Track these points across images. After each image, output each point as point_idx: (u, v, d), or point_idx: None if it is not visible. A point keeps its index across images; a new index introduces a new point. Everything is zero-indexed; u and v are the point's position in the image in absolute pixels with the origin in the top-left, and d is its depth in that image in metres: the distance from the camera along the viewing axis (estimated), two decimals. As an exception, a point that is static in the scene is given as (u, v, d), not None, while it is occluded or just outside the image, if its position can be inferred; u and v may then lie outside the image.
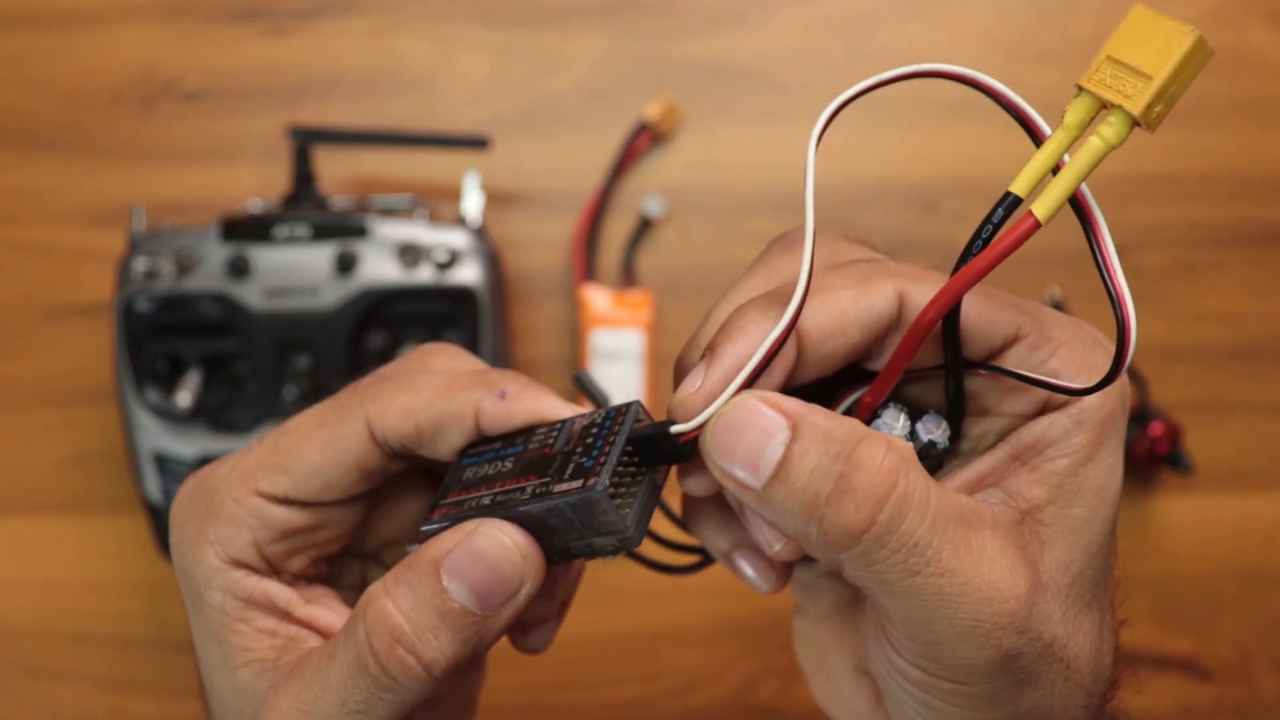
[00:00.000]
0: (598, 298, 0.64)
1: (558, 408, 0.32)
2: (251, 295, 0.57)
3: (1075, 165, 0.28)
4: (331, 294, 0.57)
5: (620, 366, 0.64)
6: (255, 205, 0.62)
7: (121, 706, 0.67)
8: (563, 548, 0.29)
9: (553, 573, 0.32)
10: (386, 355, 0.58)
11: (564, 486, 0.28)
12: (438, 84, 0.66)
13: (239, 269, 0.57)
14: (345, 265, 0.57)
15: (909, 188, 0.66)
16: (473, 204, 0.60)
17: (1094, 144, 0.28)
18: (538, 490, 0.29)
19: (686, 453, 0.29)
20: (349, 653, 0.29)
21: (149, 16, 0.67)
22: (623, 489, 0.29)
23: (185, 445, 0.58)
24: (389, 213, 0.59)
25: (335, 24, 0.66)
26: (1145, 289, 0.66)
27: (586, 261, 0.65)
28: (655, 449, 0.30)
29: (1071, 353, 0.30)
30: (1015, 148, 0.68)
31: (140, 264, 0.57)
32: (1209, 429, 0.66)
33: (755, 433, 0.28)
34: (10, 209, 0.67)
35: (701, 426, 0.29)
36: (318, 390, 0.57)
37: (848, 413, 0.31)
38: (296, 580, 0.33)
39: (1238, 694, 0.67)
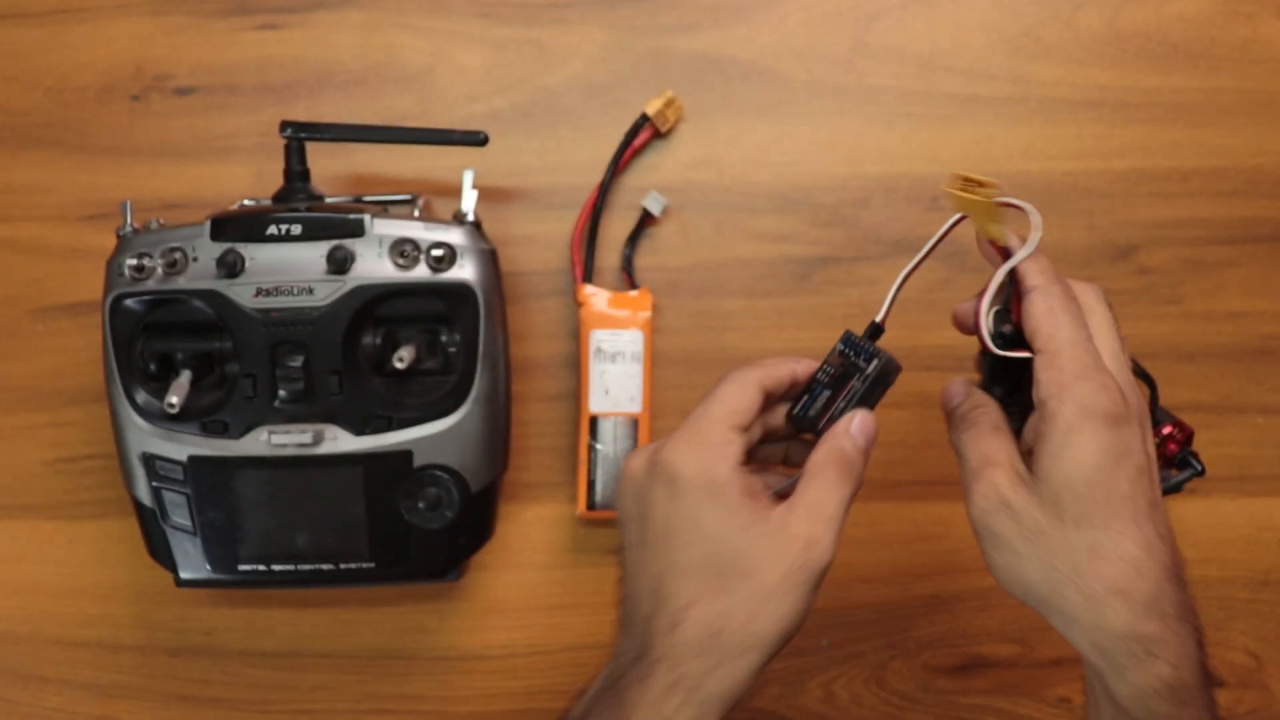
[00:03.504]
0: (597, 297, 0.63)
1: (809, 363, 0.50)
2: (243, 294, 0.56)
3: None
4: (325, 292, 0.56)
5: (620, 366, 0.63)
6: (248, 202, 0.61)
7: (111, 714, 0.66)
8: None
9: None
10: (382, 354, 0.57)
11: (868, 370, 0.49)
12: (434, 79, 0.65)
13: (230, 267, 0.56)
14: (339, 263, 0.56)
15: (914, 184, 0.65)
16: (469, 201, 0.59)
17: None
18: (855, 386, 0.49)
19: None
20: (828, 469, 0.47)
21: (140, 10, 0.65)
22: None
23: (175, 447, 0.57)
24: (384, 209, 0.58)
25: (329, 18, 0.65)
26: (1153, 288, 0.65)
27: (586, 260, 0.64)
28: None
29: None
30: (1021, 145, 0.68)
31: (129, 262, 0.56)
32: (1219, 431, 0.65)
33: None
34: (-2, 206, 0.66)
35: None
36: (311, 391, 0.56)
37: None
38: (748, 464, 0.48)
39: (1250, 700, 0.66)
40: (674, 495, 0.45)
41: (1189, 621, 0.42)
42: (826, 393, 0.50)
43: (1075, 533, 0.42)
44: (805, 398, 0.50)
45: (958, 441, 0.47)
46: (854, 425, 0.48)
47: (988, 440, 0.45)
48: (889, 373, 0.49)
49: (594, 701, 0.46)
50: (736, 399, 0.47)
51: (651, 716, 0.43)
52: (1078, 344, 0.43)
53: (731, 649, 0.44)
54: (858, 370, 0.50)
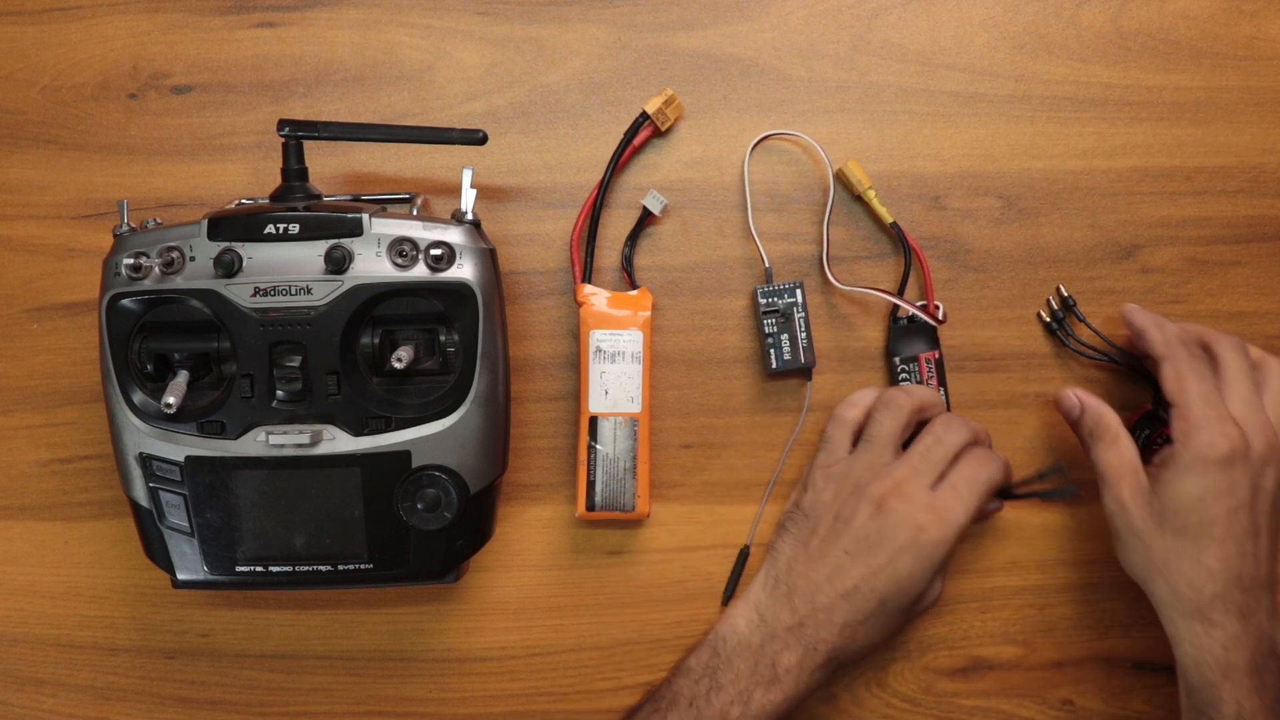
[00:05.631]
0: (597, 297, 0.63)
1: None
2: (241, 294, 0.55)
3: None
4: (323, 292, 0.55)
5: (620, 366, 0.62)
6: (245, 201, 0.61)
7: (107, 716, 0.66)
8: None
9: None
10: (380, 354, 0.57)
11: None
12: (433, 77, 0.65)
13: (228, 267, 0.55)
14: (337, 262, 0.55)
15: (915, 182, 0.65)
16: (468, 200, 0.58)
17: None
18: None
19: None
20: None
21: (136, 8, 0.65)
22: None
23: (172, 447, 0.56)
24: (383, 208, 0.58)
25: (327, 15, 0.65)
26: (1157, 288, 0.65)
27: (585, 259, 0.64)
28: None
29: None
30: (1024, 143, 0.67)
31: (126, 261, 0.56)
32: (1223, 431, 0.65)
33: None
34: (-6, 205, 0.65)
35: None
36: (309, 391, 0.56)
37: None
38: None
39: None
40: (917, 556, 0.58)
41: (1250, 620, 0.55)
42: None
43: (1171, 540, 0.56)
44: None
45: (1088, 451, 0.60)
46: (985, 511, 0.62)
47: (1112, 453, 0.59)
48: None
49: (737, 647, 0.60)
50: (987, 500, 0.60)
51: (799, 678, 0.58)
52: (1200, 399, 0.56)
53: (864, 652, 0.60)
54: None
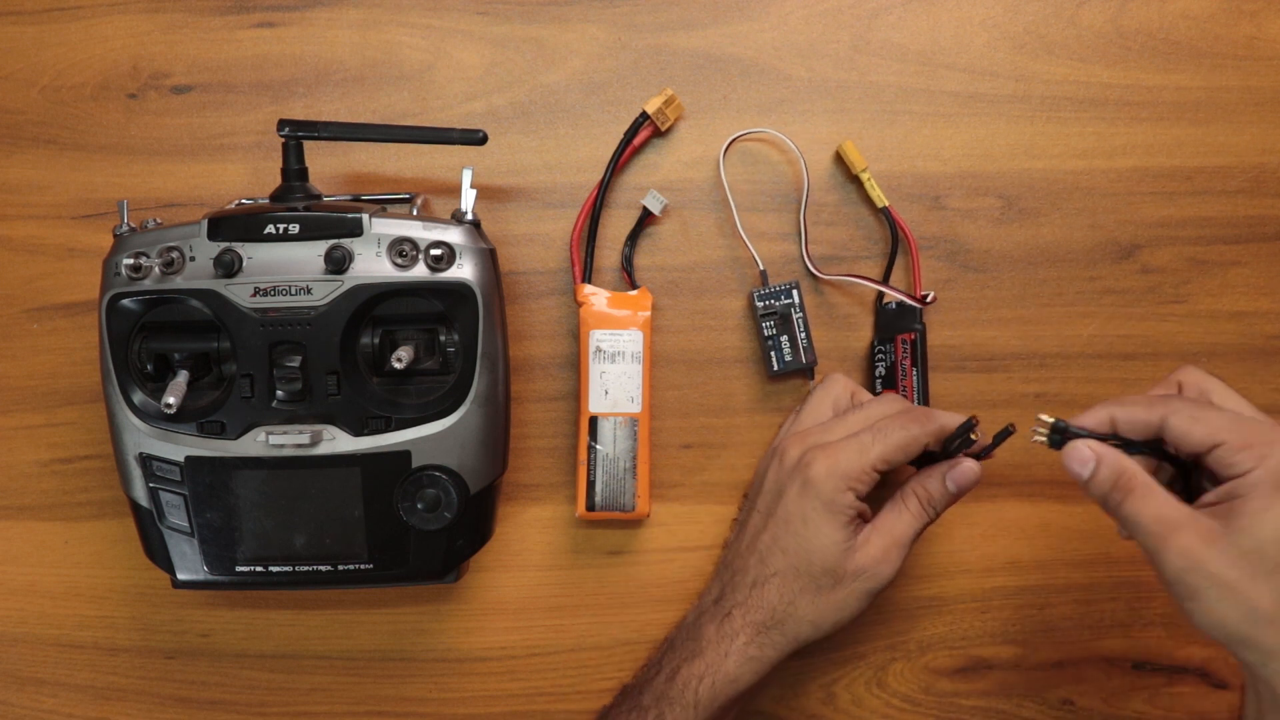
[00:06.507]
0: (597, 297, 0.63)
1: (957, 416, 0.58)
2: (241, 294, 0.55)
3: None
4: (323, 292, 0.55)
5: (620, 366, 0.62)
6: (245, 201, 0.61)
7: (107, 716, 0.66)
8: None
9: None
10: (380, 354, 0.57)
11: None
12: (433, 77, 0.65)
13: (228, 267, 0.55)
14: (337, 262, 0.55)
15: (916, 182, 0.65)
16: (468, 200, 0.58)
17: None
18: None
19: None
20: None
21: (136, 8, 0.65)
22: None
23: (172, 447, 0.56)
24: (382, 209, 0.58)
25: (327, 15, 0.65)
26: (1157, 288, 0.65)
27: (585, 259, 0.64)
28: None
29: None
30: (1024, 143, 0.67)
31: (126, 261, 0.56)
32: (1223, 431, 0.65)
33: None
34: (-6, 205, 0.65)
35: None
36: (309, 391, 0.56)
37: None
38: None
39: (1253, 703, 0.65)
40: (804, 495, 0.57)
41: None
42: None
43: (1278, 578, 0.47)
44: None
45: (1119, 509, 0.50)
46: (954, 472, 0.58)
47: (1152, 506, 0.49)
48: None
49: (679, 631, 0.61)
50: (899, 454, 0.57)
51: (718, 647, 0.58)
52: (1232, 425, 0.49)
53: (792, 624, 0.58)
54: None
